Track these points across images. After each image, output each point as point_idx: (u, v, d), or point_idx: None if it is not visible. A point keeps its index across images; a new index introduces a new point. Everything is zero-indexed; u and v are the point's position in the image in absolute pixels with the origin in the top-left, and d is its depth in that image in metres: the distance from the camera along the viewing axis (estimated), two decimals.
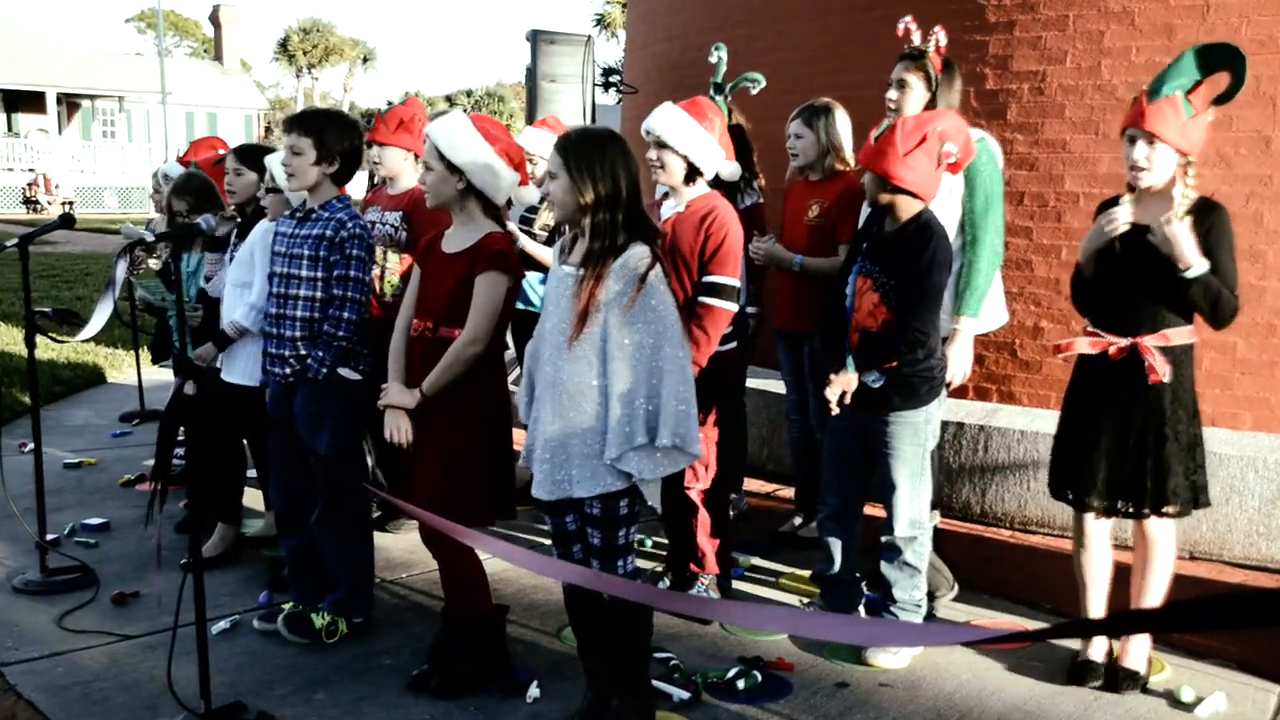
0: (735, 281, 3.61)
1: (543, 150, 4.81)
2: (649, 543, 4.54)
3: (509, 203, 5.14)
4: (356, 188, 4.99)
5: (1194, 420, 3.24)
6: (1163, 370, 3.15)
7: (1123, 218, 3.18)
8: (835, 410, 3.41)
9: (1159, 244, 3.11)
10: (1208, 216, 3.16)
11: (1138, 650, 3.34)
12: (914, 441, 3.44)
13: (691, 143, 3.62)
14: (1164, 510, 3.23)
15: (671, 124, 3.63)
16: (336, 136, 3.46)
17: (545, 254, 4.62)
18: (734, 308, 3.62)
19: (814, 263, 4.19)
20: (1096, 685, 3.30)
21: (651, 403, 2.71)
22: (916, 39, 3.81)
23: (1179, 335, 3.20)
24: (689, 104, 3.73)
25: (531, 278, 4.74)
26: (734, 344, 3.83)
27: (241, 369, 4.00)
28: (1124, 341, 3.21)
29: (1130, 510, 3.27)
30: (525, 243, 4.59)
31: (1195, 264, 3.09)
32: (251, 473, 4.68)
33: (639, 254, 2.73)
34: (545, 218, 4.79)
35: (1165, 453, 3.19)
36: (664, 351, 2.72)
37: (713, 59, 4.75)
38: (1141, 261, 3.18)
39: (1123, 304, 3.22)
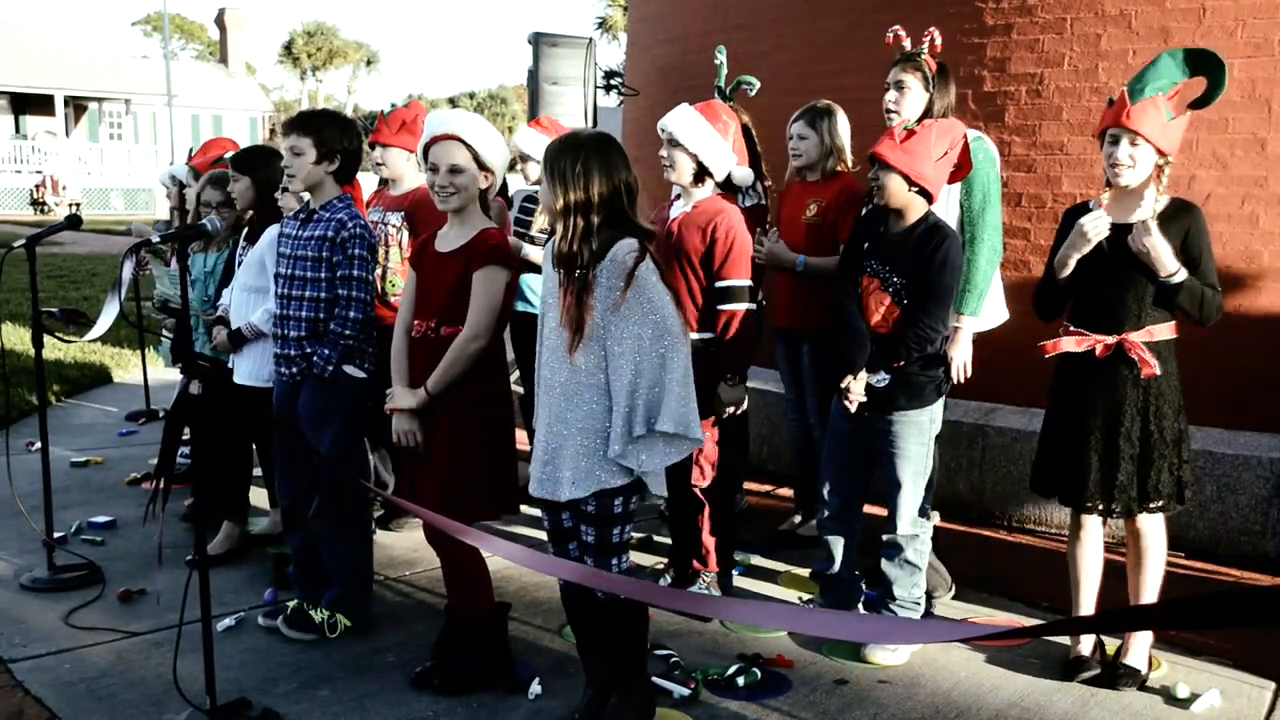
0: (748, 282, 3.66)
1: (535, 151, 4.84)
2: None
3: (509, 201, 5.19)
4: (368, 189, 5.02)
5: (1179, 415, 3.27)
6: (1154, 362, 3.18)
7: (1105, 224, 3.19)
8: (853, 410, 3.44)
9: (1137, 253, 3.14)
10: (1184, 217, 3.19)
11: (1139, 648, 3.36)
12: (918, 441, 3.47)
13: (702, 143, 3.66)
14: (1151, 506, 3.26)
15: (684, 123, 3.67)
16: (335, 135, 3.49)
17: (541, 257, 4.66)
18: (751, 306, 3.67)
19: (816, 262, 4.22)
20: (1088, 677, 3.33)
21: (653, 392, 2.72)
22: (907, 44, 3.84)
23: (1162, 331, 3.23)
24: (704, 106, 3.76)
25: (527, 280, 4.77)
26: None
27: (247, 369, 4.03)
28: (1110, 339, 3.24)
29: (1120, 508, 3.29)
30: (526, 249, 4.63)
31: (1176, 270, 3.12)
32: (257, 471, 4.72)
33: (626, 247, 2.73)
34: (541, 221, 4.83)
35: (1151, 448, 3.22)
36: (664, 340, 2.73)
37: (716, 61, 4.78)
38: (1123, 259, 3.20)
39: (1106, 302, 3.25)
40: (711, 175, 3.72)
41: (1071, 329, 3.34)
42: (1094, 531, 3.41)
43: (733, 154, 3.75)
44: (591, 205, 2.73)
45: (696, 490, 3.83)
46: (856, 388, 3.44)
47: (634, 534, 3.00)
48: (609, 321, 2.73)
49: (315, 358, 3.49)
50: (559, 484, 2.80)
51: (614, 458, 2.75)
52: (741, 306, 3.65)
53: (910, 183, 3.34)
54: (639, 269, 2.71)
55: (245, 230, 4.27)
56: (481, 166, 3.21)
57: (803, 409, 4.53)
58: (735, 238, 3.64)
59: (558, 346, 2.81)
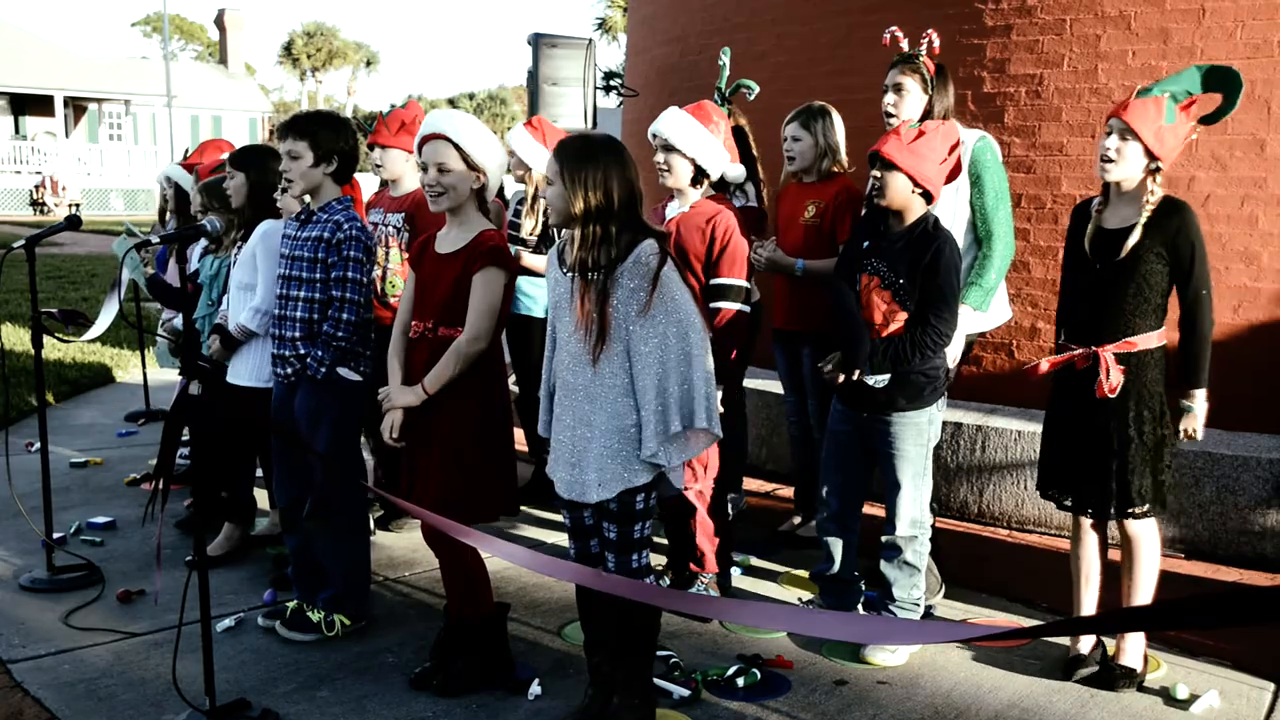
0: (743, 282, 3.66)
1: (525, 151, 4.82)
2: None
3: (505, 203, 5.18)
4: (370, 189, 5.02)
5: (1160, 421, 3.25)
6: (1115, 381, 3.18)
7: None
8: (839, 380, 3.44)
9: None
10: (1174, 217, 3.18)
11: (1133, 648, 3.37)
12: (917, 441, 3.47)
13: (698, 146, 3.67)
14: (1130, 511, 3.26)
15: (678, 127, 3.68)
16: (331, 137, 3.49)
17: (536, 262, 4.66)
18: (744, 308, 3.68)
19: (815, 265, 4.22)
20: (1088, 674, 3.33)
21: (682, 388, 2.73)
22: (905, 45, 3.83)
23: (1146, 340, 3.22)
24: (694, 108, 3.76)
25: (521, 283, 4.77)
26: None
27: (244, 370, 4.02)
28: (1082, 351, 3.25)
29: (1105, 511, 3.29)
30: (522, 254, 4.63)
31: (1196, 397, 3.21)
32: (258, 472, 4.71)
33: (649, 249, 2.74)
34: (530, 224, 4.82)
35: (1129, 454, 3.21)
36: (690, 337, 2.75)
37: (720, 62, 4.78)
38: (1107, 270, 3.21)
39: (1089, 311, 3.26)
40: (708, 176, 3.72)
41: (1061, 343, 3.36)
42: (1092, 533, 3.42)
43: (725, 152, 3.76)
44: (613, 211, 2.74)
45: (689, 493, 3.83)
46: (836, 375, 3.44)
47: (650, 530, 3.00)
48: (633, 324, 2.75)
49: (309, 359, 3.49)
50: (586, 487, 2.82)
51: (647, 457, 2.76)
52: (733, 306, 3.65)
53: (915, 184, 3.35)
54: (662, 270, 2.73)
55: (242, 230, 4.27)
56: (471, 167, 3.21)
57: (803, 411, 4.53)
58: (733, 237, 3.64)
59: (579, 352, 2.81)
